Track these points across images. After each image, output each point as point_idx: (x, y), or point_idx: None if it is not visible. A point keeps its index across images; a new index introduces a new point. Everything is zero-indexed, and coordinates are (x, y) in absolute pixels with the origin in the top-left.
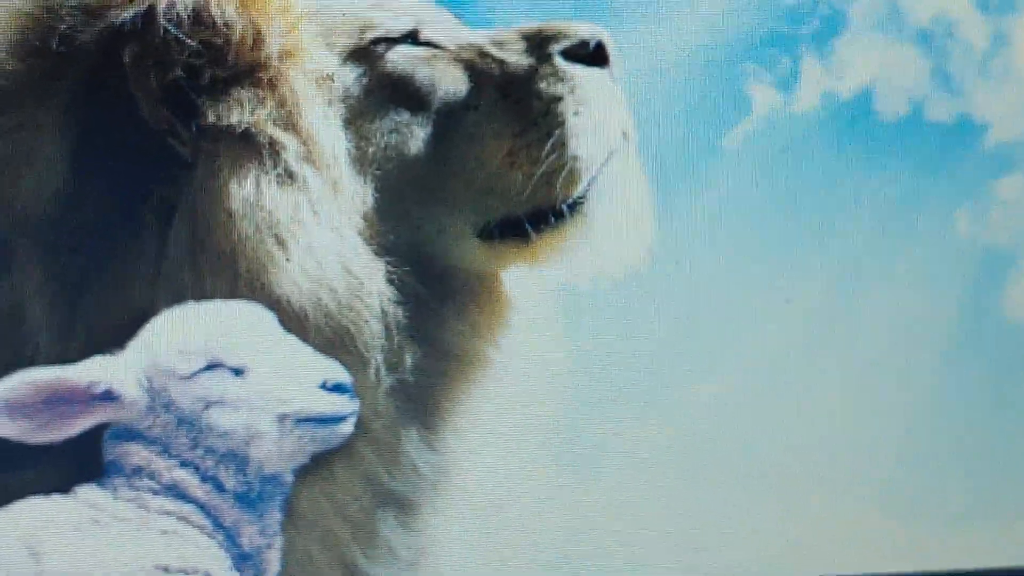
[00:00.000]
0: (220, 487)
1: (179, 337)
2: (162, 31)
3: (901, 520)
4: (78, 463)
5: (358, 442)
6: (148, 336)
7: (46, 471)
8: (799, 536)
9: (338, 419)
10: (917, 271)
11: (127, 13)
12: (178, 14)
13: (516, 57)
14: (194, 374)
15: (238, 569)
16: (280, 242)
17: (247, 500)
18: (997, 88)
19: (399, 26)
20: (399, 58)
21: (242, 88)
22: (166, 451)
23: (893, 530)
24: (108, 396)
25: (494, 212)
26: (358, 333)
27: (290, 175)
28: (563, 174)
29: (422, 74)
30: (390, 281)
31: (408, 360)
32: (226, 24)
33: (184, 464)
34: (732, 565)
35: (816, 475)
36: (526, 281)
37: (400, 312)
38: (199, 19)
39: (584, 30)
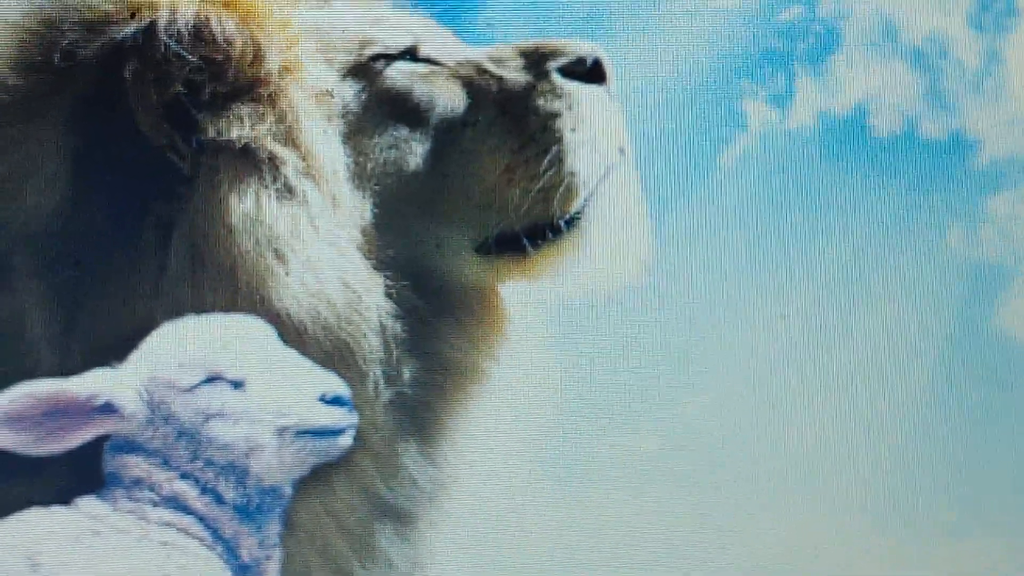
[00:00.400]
0: (220, 499)
1: (179, 350)
2: (163, 47)
3: (892, 532)
4: (78, 475)
5: (357, 455)
6: (148, 349)
7: (46, 483)
8: (791, 547)
9: (337, 432)
10: (910, 286)
11: (128, 29)
12: (179, 30)
13: (514, 74)
14: (194, 387)
15: None
16: (279, 256)
17: (246, 512)
18: (990, 106)
19: (398, 43)
20: (398, 74)
21: (242, 103)
22: (166, 463)
23: (884, 542)
24: (108, 408)
25: (492, 227)
26: (357, 347)
27: (289, 190)
28: (560, 190)
29: (420, 90)
30: (388, 295)
31: (406, 373)
32: (226, 40)
33: (184, 476)
34: (725, 575)
35: (807, 486)
36: (523, 295)
37: (398, 326)
38: (200, 35)
39: (581, 47)
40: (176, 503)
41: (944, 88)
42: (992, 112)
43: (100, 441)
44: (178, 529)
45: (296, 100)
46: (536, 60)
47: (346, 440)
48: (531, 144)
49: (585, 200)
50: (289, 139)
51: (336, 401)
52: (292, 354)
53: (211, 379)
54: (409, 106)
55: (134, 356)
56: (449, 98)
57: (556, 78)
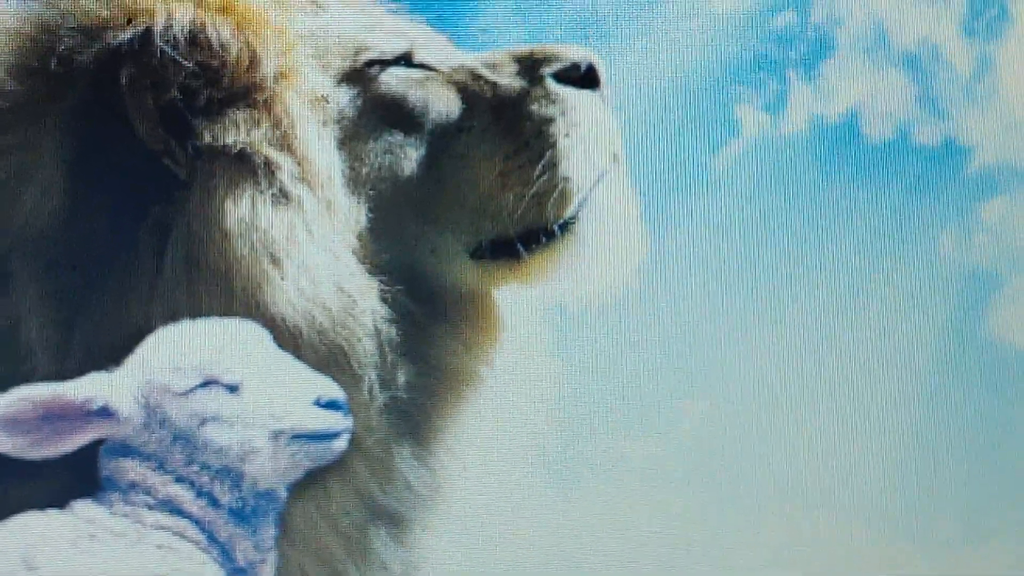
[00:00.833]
0: (215, 502)
1: (174, 354)
2: (159, 52)
3: (888, 537)
4: (74, 479)
5: (351, 458)
6: (144, 353)
7: (42, 486)
8: (787, 551)
9: (332, 436)
10: (902, 292)
11: (124, 35)
12: (175, 36)
13: (508, 79)
14: (189, 391)
15: None
16: (275, 261)
17: (241, 515)
18: (982, 112)
19: (393, 48)
20: (393, 80)
21: (238, 109)
22: (161, 467)
23: (880, 546)
24: (104, 412)
25: (486, 232)
26: (351, 351)
27: (285, 195)
28: (554, 195)
29: (415, 96)
30: (383, 300)
31: (401, 378)
32: (222, 46)
33: (179, 480)
34: None
35: (803, 492)
36: (518, 300)
37: (393, 330)
38: (195, 41)
39: (575, 53)
40: (172, 506)
41: (936, 94)
42: (984, 118)
43: (96, 445)
44: (173, 532)
45: (291, 106)
46: (530, 66)
47: (341, 444)
48: (525, 149)
49: (579, 205)
50: (284, 144)
51: (331, 405)
52: (287, 358)
53: (206, 383)
54: (404, 112)
55: (130, 360)
56: (443, 104)
57: (550, 84)
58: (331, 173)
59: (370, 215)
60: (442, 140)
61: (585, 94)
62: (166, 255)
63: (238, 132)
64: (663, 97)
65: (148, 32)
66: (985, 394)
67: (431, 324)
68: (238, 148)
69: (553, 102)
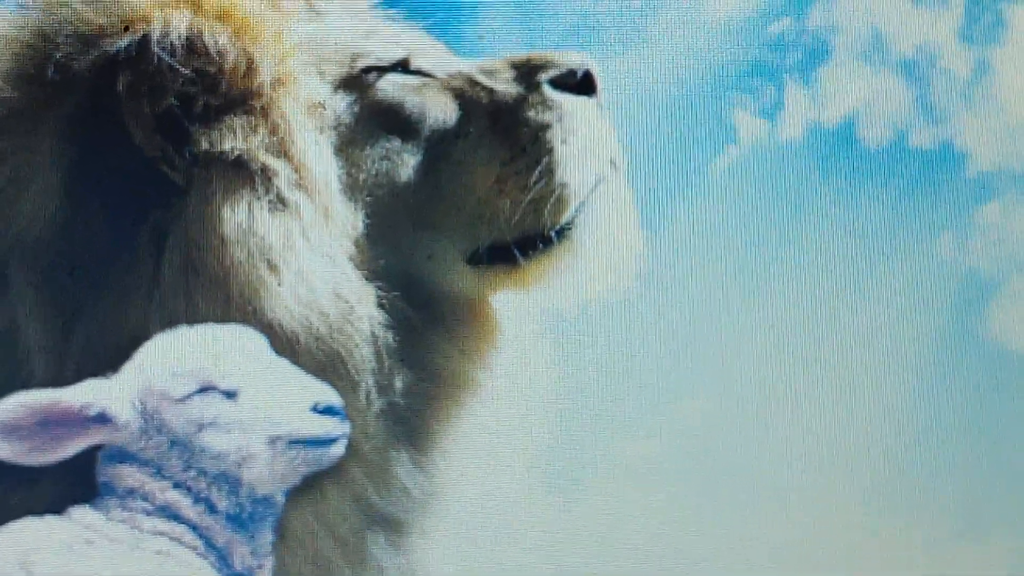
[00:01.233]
0: (212, 508)
1: (172, 360)
2: (156, 59)
3: (887, 534)
4: (72, 484)
5: (349, 464)
6: (141, 359)
7: (40, 492)
8: (786, 551)
9: (329, 441)
10: (900, 295)
11: (122, 42)
12: (172, 43)
13: (505, 86)
14: (187, 397)
15: None
16: (272, 267)
17: (239, 521)
18: (979, 117)
19: (390, 55)
20: (390, 86)
21: (235, 116)
22: (159, 473)
23: (880, 544)
24: (102, 418)
25: (483, 238)
26: (348, 357)
27: (282, 201)
28: (551, 201)
29: (412, 102)
30: (380, 305)
31: (398, 383)
32: (219, 53)
33: (177, 485)
34: None
35: (803, 490)
36: (515, 305)
37: (390, 336)
38: (193, 48)
39: (572, 59)
40: (169, 512)
41: (933, 99)
42: (981, 123)
43: (94, 451)
44: (171, 538)
45: (288, 112)
46: (527, 72)
47: (338, 450)
48: (522, 155)
49: (576, 211)
50: (281, 151)
51: (328, 411)
52: (284, 364)
53: (204, 389)
54: (401, 118)
55: (128, 366)
56: (440, 110)
57: (547, 90)
58: (328, 179)
59: (367, 221)
60: (439, 146)
61: (582, 100)
62: (163, 261)
63: (235, 139)
64: (660, 103)
65: (145, 39)
66: (983, 394)
67: (428, 330)
68: (235, 155)
69: (550, 108)
